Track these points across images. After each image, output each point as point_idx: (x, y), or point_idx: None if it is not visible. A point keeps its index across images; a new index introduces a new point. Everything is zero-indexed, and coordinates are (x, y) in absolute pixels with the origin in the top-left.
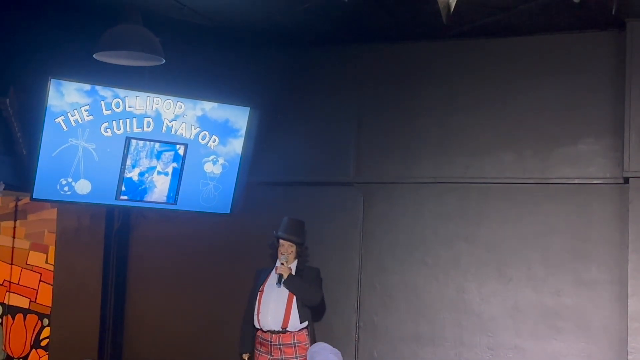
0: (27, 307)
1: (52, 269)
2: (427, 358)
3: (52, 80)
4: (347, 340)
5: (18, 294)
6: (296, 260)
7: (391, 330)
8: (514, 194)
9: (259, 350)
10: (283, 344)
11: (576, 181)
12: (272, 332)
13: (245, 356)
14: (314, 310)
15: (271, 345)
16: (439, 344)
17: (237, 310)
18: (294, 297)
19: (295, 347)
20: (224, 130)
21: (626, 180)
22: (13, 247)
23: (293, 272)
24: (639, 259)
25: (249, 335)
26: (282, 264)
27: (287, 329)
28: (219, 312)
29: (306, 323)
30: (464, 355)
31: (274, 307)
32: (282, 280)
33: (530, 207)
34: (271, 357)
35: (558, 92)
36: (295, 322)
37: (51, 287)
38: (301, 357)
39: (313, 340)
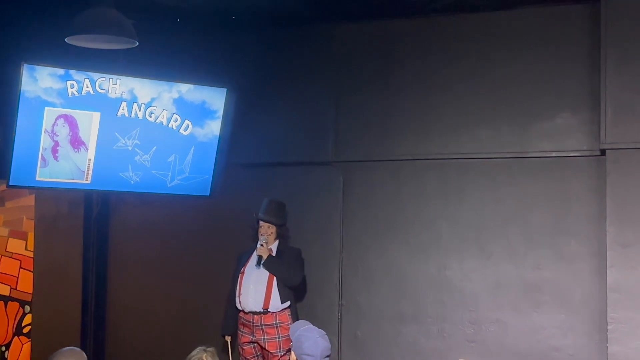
0: (8, 294)
1: (32, 256)
2: (410, 335)
3: (25, 65)
4: (330, 320)
5: None
6: (277, 241)
7: (374, 309)
8: (492, 169)
9: (242, 332)
10: (265, 325)
11: (554, 155)
12: (254, 313)
13: (228, 338)
14: (295, 291)
15: (253, 326)
16: (422, 321)
17: (218, 293)
18: (274, 278)
19: (277, 327)
20: (201, 112)
21: (603, 153)
22: None
23: (274, 253)
24: (616, 230)
25: (232, 317)
26: (261, 245)
27: (268, 310)
28: (200, 294)
29: (288, 303)
30: (446, 332)
31: (254, 289)
32: (262, 261)
33: (508, 182)
34: (253, 338)
35: (534, 67)
36: (276, 303)
37: (32, 273)
38: (283, 337)
39: (296, 320)
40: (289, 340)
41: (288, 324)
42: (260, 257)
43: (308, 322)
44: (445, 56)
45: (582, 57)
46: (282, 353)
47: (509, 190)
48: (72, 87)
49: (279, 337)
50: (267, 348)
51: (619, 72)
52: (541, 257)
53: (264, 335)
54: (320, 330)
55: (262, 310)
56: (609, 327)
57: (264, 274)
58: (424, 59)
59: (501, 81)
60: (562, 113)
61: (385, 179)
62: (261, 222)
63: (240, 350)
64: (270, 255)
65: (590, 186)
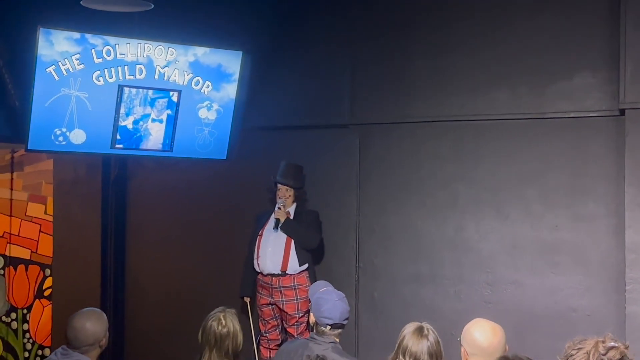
0: (28, 258)
1: (52, 220)
2: (428, 297)
3: (41, 29)
4: (348, 282)
5: (19, 245)
6: (295, 204)
7: (391, 270)
8: (509, 131)
9: (260, 293)
10: (283, 287)
11: (572, 115)
12: (272, 275)
13: (247, 299)
14: (313, 253)
15: (272, 288)
16: (439, 283)
17: (236, 255)
18: (292, 241)
19: (295, 289)
20: (217, 76)
21: (622, 112)
22: (11, 199)
23: (291, 216)
24: (635, 191)
25: (250, 278)
26: (279, 208)
27: (286, 272)
28: (219, 256)
29: (306, 265)
30: (464, 293)
31: (272, 251)
32: (279, 224)
33: (526, 143)
34: (272, 300)
35: (552, 25)
36: (294, 265)
37: (51, 237)
38: (302, 299)
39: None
40: (307, 301)
41: (306, 286)
42: (277, 220)
43: (328, 283)
44: (462, 17)
45: (601, 16)
46: (300, 315)
47: (527, 151)
48: (88, 50)
49: (297, 299)
50: (285, 310)
51: (639, 31)
52: (558, 218)
53: (282, 297)
54: (339, 292)
55: (280, 273)
56: (627, 288)
57: (281, 236)
58: (441, 20)
59: (518, 41)
60: (580, 72)
61: (402, 140)
62: (279, 185)
63: (259, 311)
64: (287, 218)
65: (609, 146)
